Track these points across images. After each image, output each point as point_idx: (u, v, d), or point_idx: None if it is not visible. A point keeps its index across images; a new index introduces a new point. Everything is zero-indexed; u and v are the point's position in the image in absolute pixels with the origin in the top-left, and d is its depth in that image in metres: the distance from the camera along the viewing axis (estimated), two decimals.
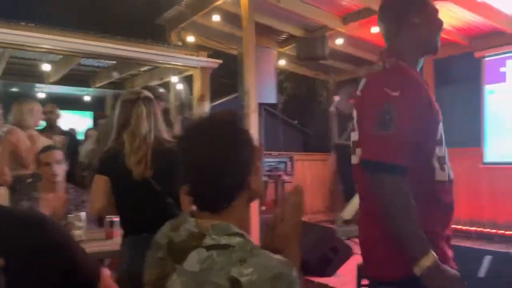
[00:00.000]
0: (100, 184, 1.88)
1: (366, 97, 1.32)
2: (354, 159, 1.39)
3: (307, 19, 5.24)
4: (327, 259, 2.56)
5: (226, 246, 0.86)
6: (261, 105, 4.85)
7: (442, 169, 1.31)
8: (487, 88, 5.55)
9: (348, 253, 2.53)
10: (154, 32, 6.16)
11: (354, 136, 1.40)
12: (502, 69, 5.44)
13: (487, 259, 1.99)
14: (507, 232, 4.90)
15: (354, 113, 1.40)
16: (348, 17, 5.27)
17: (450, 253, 1.31)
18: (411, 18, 1.36)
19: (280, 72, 7.19)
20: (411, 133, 1.21)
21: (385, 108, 1.20)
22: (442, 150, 1.31)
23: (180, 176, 0.97)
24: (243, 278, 0.81)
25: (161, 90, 3.18)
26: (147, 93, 1.99)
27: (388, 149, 1.19)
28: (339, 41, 5.72)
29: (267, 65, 5.01)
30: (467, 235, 5.28)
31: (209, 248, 0.86)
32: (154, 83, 6.93)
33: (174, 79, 6.55)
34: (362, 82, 1.39)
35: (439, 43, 1.42)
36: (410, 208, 1.17)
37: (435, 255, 1.16)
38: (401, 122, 1.19)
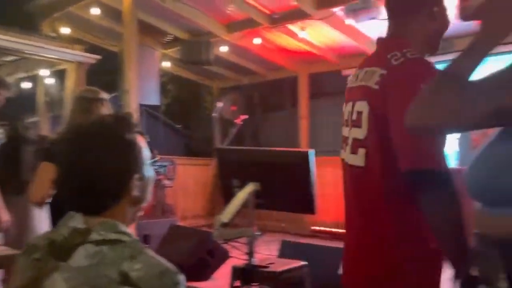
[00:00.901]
0: (47, 171, 1.88)
1: (397, 93, 1.13)
2: (354, 160, 1.27)
3: (192, 22, 5.25)
4: (204, 263, 2.57)
5: (117, 241, 0.88)
6: (142, 106, 4.70)
7: None
8: None
9: (225, 256, 2.57)
10: (22, 19, 5.56)
11: (355, 132, 1.26)
12: None
13: None
14: None
15: (359, 107, 1.25)
16: (232, 25, 5.41)
17: None
18: (434, 6, 1.27)
19: (164, 74, 7.06)
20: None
21: None
22: None
23: (61, 178, 0.97)
24: (133, 273, 0.84)
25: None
26: None
27: (425, 153, 1.08)
28: (224, 49, 5.83)
29: (150, 65, 4.89)
30: (332, 236, 5.78)
31: (98, 243, 0.87)
32: (19, 75, 6.24)
33: (44, 72, 5.98)
34: (375, 74, 1.21)
35: (439, 44, 1.33)
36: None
37: None
38: None
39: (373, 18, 4.22)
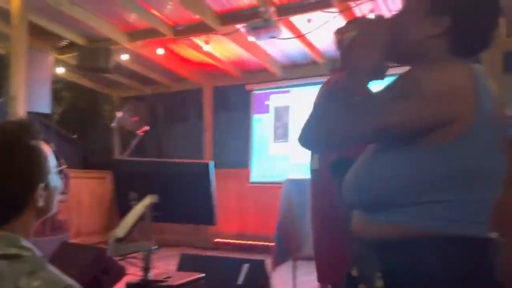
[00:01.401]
0: None
1: None
2: (313, 164, 1.32)
3: (90, 28, 5.00)
4: (98, 281, 2.43)
5: (16, 256, 0.84)
6: (31, 114, 4.33)
7: None
8: (255, 117, 6.37)
9: (121, 273, 2.46)
10: None
11: None
12: (266, 102, 6.34)
13: (245, 267, 2.25)
14: (266, 243, 5.64)
15: None
16: (135, 34, 5.27)
17: None
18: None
19: (58, 80, 6.59)
20: None
21: None
22: None
23: None
24: None
25: None
26: None
27: None
28: (125, 57, 5.64)
29: (41, 71, 4.54)
30: (235, 248, 5.84)
31: None
32: None
33: None
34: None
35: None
36: None
37: None
38: None
39: (274, 37, 4.41)
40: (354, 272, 1.01)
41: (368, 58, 0.91)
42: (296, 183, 3.06)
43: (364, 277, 0.97)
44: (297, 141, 1.04)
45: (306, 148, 1.11)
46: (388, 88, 0.97)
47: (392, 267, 0.90)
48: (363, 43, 0.92)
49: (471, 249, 0.87)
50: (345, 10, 4.22)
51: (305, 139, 0.99)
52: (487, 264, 0.88)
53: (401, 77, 0.96)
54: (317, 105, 0.99)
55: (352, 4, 4.19)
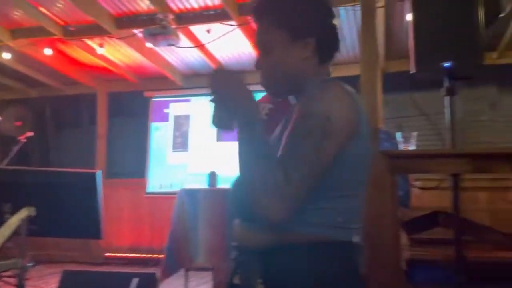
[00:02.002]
0: None
1: None
2: None
3: None
4: None
5: None
6: None
7: None
8: (154, 125, 6.20)
9: None
10: None
11: None
12: (166, 110, 6.22)
13: (134, 282, 2.16)
14: (161, 256, 5.48)
15: None
16: (19, 31, 4.82)
17: None
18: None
19: None
20: None
21: None
22: None
23: None
24: None
25: None
26: None
27: None
28: (7, 56, 5.13)
29: None
30: (128, 262, 5.59)
31: None
32: None
33: None
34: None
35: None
36: None
37: None
38: None
39: (172, 45, 4.36)
40: (236, 280, 1.03)
41: (249, 107, 0.93)
42: (190, 193, 3.03)
43: (246, 285, 0.99)
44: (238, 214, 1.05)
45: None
46: (295, 127, 0.96)
47: (271, 273, 0.94)
48: (235, 98, 0.93)
49: (339, 252, 0.94)
50: (244, 23, 4.34)
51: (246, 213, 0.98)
52: (353, 265, 0.96)
53: (301, 114, 0.96)
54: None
55: (250, 18, 4.32)
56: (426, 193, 3.40)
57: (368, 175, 1.01)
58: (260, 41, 1.04)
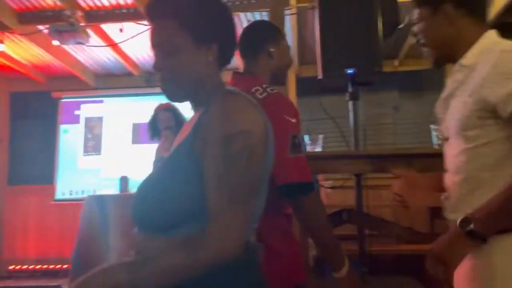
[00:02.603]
0: None
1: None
2: None
3: None
4: None
5: None
6: None
7: None
8: (62, 127, 5.83)
9: None
10: None
11: None
12: (76, 112, 5.88)
13: None
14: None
15: None
16: None
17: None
18: (269, 47, 1.50)
19: None
20: None
21: (291, 134, 1.32)
22: None
23: None
24: None
25: None
26: None
27: (307, 169, 1.33)
28: None
29: None
30: (33, 274, 5.19)
31: None
32: None
33: None
34: None
35: (286, 78, 1.59)
36: None
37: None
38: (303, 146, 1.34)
39: (81, 43, 4.14)
40: None
41: None
42: (98, 200, 2.89)
43: None
44: None
45: None
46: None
47: None
48: None
49: (243, 254, 0.95)
50: None
51: None
52: (255, 265, 0.99)
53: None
54: None
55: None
56: (335, 192, 3.59)
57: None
58: (162, 42, 1.00)
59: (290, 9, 3.89)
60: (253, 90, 1.39)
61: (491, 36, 1.06)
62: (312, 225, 1.36)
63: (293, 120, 1.36)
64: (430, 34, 1.12)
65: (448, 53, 1.10)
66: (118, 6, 4.19)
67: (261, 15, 4.18)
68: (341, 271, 1.33)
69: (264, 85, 1.42)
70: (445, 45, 1.10)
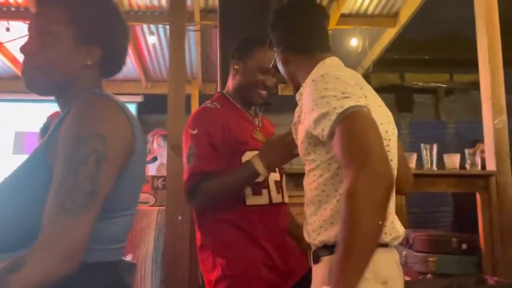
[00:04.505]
0: None
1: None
2: None
3: None
4: None
5: None
6: None
7: (256, 193, 1.44)
8: None
9: None
10: None
11: None
12: None
13: None
14: None
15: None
16: None
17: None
18: (233, 64, 1.56)
19: None
20: (207, 161, 1.41)
21: (189, 145, 1.43)
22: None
23: None
24: None
25: None
26: None
27: (187, 179, 1.43)
28: None
29: None
30: None
31: None
32: None
33: None
34: None
35: (256, 97, 1.54)
36: None
37: None
38: (198, 154, 1.41)
39: None
40: None
41: None
42: None
43: None
44: None
45: None
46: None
47: None
48: None
49: (110, 274, 0.89)
50: None
51: None
52: (123, 284, 0.93)
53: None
54: None
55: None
56: None
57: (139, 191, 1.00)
58: (44, 28, 0.92)
59: (194, 25, 3.90)
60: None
61: (320, 66, 1.15)
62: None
63: (194, 132, 1.43)
64: (283, 71, 1.25)
65: (299, 85, 1.20)
66: (6, 4, 3.83)
67: (164, 28, 4.12)
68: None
69: (209, 100, 1.57)
70: (293, 79, 1.22)
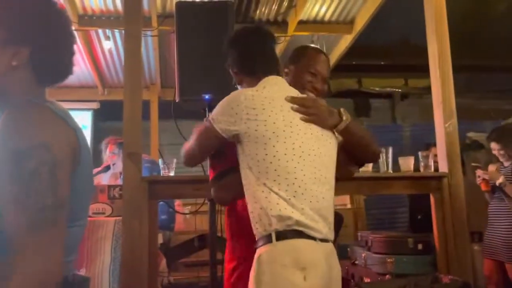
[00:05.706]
0: None
1: None
2: None
3: None
4: None
5: None
6: None
7: None
8: None
9: None
10: None
11: None
12: None
13: None
14: None
15: None
16: None
17: None
18: (284, 68, 1.61)
19: None
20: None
21: None
22: None
23: None
24: None
25: None
26: None
27: None
28: None
29: None
30: None
31: None
32: None
33: None
34: None
35: None
36: None
37: None
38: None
39: None
40: None
41: None
42: None
43: None
44: None
45: None
46: None
47: None
48: None
49: None
50: None
51: None
52: None
53: None
54: None
55: None
56: (192, 217, 3.56)
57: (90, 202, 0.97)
58: None
59: (152, 30, 3.84)
60: None
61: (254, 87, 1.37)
62: None
63: None
64: None
65: None
66: None
67: (120, 33, 4.03)
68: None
69: None
70: None
